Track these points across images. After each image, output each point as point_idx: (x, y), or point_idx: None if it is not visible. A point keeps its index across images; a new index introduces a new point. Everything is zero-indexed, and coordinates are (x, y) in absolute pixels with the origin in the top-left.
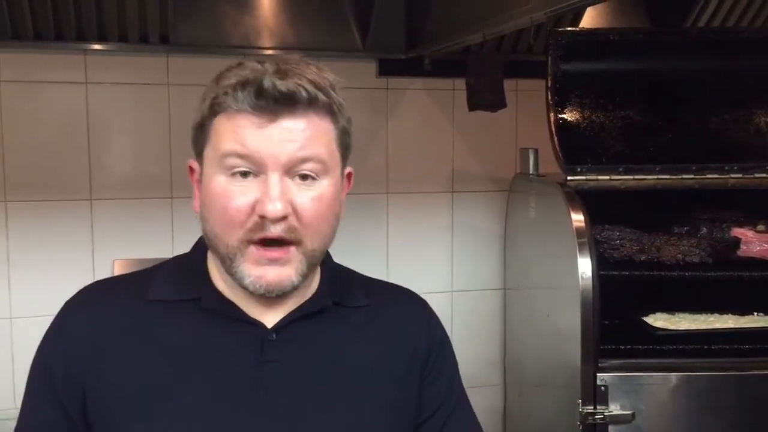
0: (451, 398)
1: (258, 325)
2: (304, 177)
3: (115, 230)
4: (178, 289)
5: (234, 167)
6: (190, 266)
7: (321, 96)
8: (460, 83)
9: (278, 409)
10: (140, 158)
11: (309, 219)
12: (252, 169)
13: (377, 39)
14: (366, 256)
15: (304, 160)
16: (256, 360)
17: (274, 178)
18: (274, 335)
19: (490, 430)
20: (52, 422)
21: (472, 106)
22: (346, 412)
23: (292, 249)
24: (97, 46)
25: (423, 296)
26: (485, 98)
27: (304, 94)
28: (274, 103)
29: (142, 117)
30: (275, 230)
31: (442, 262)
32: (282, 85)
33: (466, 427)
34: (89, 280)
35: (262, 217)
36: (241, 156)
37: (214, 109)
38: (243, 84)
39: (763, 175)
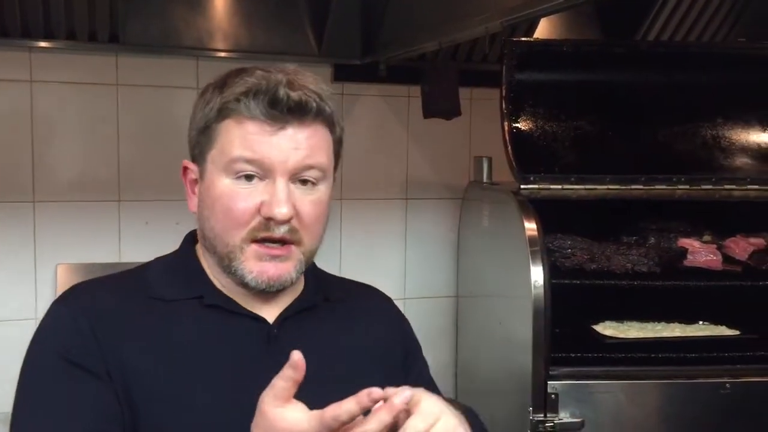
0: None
1: (261, 319)
2: (304, 182)
3: (59, 234)
4: (177, 289)
5: (241, 171)
6: (184, 267)
7: (326, 107)
8: (415, 90)
9: None
10: (87, 160)
11: (309, 221)
12: (258, 173)
13: (332, 44)
14: (319, 262)
15: (309, 168)
16: (263, 352)
17: (281, 184)
18: (276, 330)
19: None
20: (99, 393)
21: (427, 113)
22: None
23: (293, 248)
24: (43, 44)
25: None
26: (440, 106)
27: (313, 104)
28: (287, 113)
29: (90, 117)
30: (279, 231)
31: (395, 269)
32: (295, 96)
33: None
34: (31, 285)
35: (269, 219)
36: (249, 161)
37: (223, 114)
38: (256, 92)
39: (709, 186)
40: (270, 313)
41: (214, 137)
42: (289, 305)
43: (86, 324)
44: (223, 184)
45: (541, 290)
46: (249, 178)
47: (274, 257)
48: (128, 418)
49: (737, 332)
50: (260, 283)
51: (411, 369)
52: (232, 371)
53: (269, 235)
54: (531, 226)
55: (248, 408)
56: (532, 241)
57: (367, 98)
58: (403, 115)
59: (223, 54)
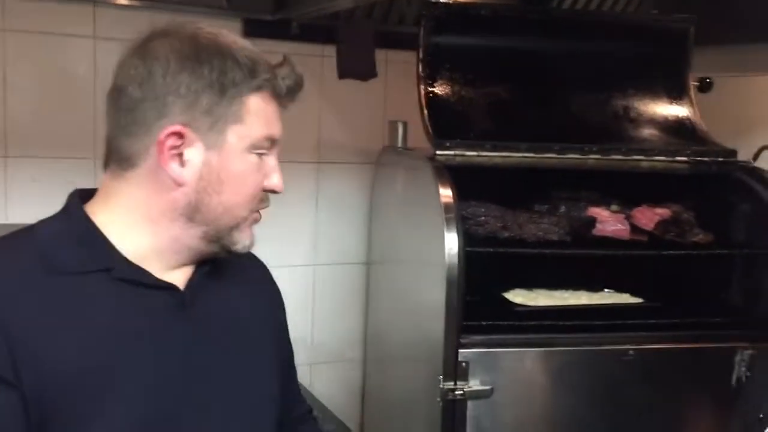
0: (290, 343)
1: (172, 288)
2: None
3: None
4: (80, 260)
5: (263, 148)
6: (82, 235)
7: None
8: (329, 50)
9: (209, 368)
10: None
11: None
12: (267, 149)
13: None
14: None
15: None
16: (177, 321)
17: (276, 158)
18: (189, 295)
19: (348, 404)
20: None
21: (342, 73)
22: (256, 357)
23: None
24: None
25: (286, 269)
26: (356, 66)
27: (303, 82)
28: (295, 92)
29: None
30: (268, 201)
31: (306, 234)
32: (299, 74)
33: (295, 374)
34: None
35: (272, 191)
36: (271, 140)
37: (253, 89)
38: (279, 69)
39: (619, 157)
40: (180, 277)
41: (241, 111)
42: (196, 269)
43: None
44: (246, 160)
45: (456, 258)
46: (262, 153)
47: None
48: (37, 421)
49: (641, 300)
50: (247, 247)
51: (286, 346)
52: (152, 348)
53: (266, 205)
54: (446, 193)
55: (170, 381)
56: (447, 208)
57: (279, 57)
58: (316, 75)
59: (123, 1)
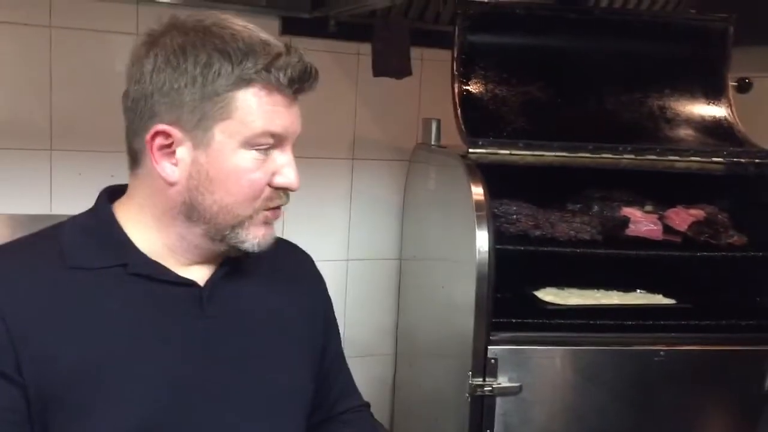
0: (337, 340)
1: (192, 284)
2: None
3: None
4: (99, 256)
5: (263, 144)
6: (104, 231)
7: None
8: (365, 48)
9: (226, 362)
10: (17, 105)
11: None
12: (273, 144)
13: None
14: None
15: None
16: (197, 317)
17: (291, 154)
18: (208, 292)
19: (378, 398)
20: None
21: (378, 71)
22: (281, 355)
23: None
24: None
25: (319, 264)
26: (391, 65)
27: (313, 72)
28: (301, 82)
29: (21, 60)
30: (287, 199)
31: (340, 230)
32: (305, 64)
33: (345, 368)
34: None
35: (285, 189)
36: (273, 135)
37: (245, 82)
38: (275, 60)
39: (654, 157)
40: (201, 274)
41: (230, 107)
42: (221, 264)
43: None
44: (241, 158)
45: (486, 255)
46: (265, 149)
47: (274, 220)
48: (40, 415)
49: (673, 301)
50: (260, 246)
51: (329, 343)
52: (163, 343)
53: (281, 202)
54: (478, 191)
55: (186, 377)
56: (478, 205)
57: (315, 54)
58: (352, 73)
59: (165, 0)
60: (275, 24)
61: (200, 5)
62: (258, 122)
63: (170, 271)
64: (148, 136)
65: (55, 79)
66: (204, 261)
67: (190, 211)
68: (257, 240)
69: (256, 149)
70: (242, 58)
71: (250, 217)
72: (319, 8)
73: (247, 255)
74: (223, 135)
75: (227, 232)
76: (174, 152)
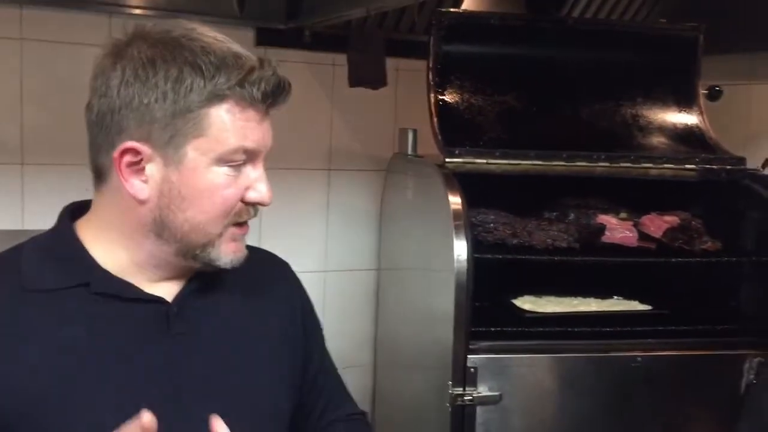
0: (321, 350)
1: (159, 300)
2: None
3: None
4: (59, 277)
5: (237, 160)
6: (64, 250)
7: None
8: (341, 58)
9: (194, 382)
10: None
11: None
12: (245, 159)
13: (255, 6)
14: None
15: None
16: (162, 335)
17: (261, 167)
18: (175, 308)
19: None
20: None
21: (354, 82)
22: (253, 373)
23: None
24: None
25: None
26: (367, 75)
27: (287, 86)
28: (275, 97)
29: None
30: (256, 214)
31: (317, 241)
32: (278, 78)
33: (332, 379)
34: None
35: (255, 204)
36: (246, 151)
37: (219, 98)
38: (257, 77)
39: (628, 164)
40: (170, 290)
41: (203, 124)
42: (190, 279)
43: None
44: (215, 174)
45: (464, 264)
46: (237, 165)
47: (243, 235)
48: None
49: (649, 307)
50: (234, 261)
51: (312, 352)
52: (126, 365)
53: (249, 218)
54: (455, 200)
55: (153, 401)
56: (456, 214)
57: (291, 65)
58: (328, 83)
59: (138, 11)
60: (250, 35)
61: (176, 17)
62: (232, 139)
63: (136, 288)
64: (115, 153)
65: (26, 92)
66: (174, 276)
67: (161, 229)
68: (230, 258)
69: (228, 165)
70: (214, 72)
71: (220, 234)
72: (294, 19)
73: (220, 270)
74: (196, 152)
75: (198, 252)
76: (143, 169)
